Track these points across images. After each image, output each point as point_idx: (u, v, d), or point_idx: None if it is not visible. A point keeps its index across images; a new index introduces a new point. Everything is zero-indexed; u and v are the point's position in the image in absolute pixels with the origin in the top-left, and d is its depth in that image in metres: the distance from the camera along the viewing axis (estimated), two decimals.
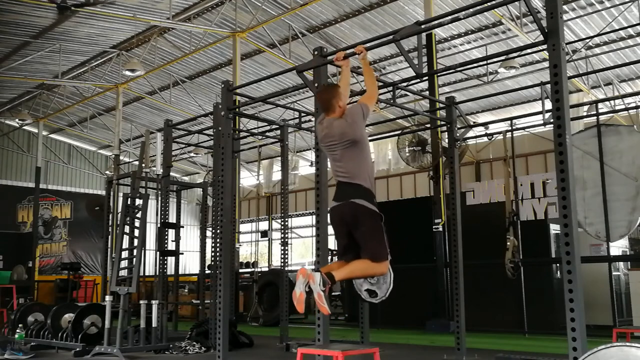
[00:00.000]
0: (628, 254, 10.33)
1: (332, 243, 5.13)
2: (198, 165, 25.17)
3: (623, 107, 11.55)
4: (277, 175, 22.14)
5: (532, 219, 9.22)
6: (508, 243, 7.15)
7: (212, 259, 7.70)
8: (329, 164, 5.10)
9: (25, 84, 19.10)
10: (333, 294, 12.95)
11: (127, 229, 7.89)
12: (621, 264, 9.93)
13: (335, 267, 4.00)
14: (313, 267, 3.94)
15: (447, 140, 6.88)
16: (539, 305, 8.93)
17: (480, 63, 13.66)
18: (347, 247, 4.07)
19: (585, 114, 11.27)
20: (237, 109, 8.19)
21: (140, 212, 7.77)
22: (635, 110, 11.26)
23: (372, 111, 4.23)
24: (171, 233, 8.67)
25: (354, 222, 3.96)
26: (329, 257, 12.64)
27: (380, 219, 3.99)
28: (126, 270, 7.77)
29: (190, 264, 21.56)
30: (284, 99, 16.62)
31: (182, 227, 9.51)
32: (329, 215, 4.25)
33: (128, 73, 15.77)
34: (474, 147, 18.25)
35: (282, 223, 8.56)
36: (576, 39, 12.92)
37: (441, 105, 7.32)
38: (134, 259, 7.50)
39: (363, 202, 3.95)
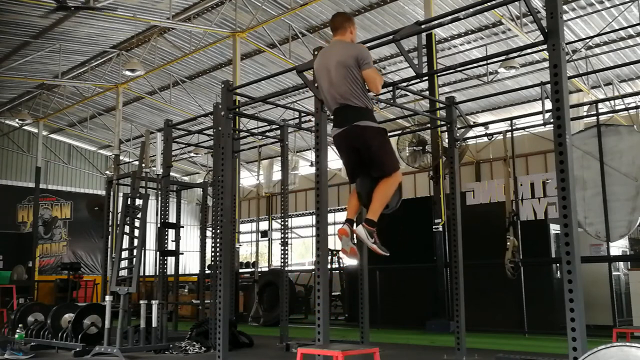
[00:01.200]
0: (628, 254, 10.33)
1: (332, 243, 5.13)
2: (198, 165, 25.18)
3: (623, 107, 11.56)
4: (277, 175, 22.15)
5: (532, 219, 9.21)
6: (508, 243, 7.15)
7: (212, 259, 7.69)
8: (330, 163, 5.12)
9: (25, 84, 19.10)
10: (333, 294, 12.96)
11: (127, 229, 7.88)
12: (621, 264, 9.92)
13: (356, 204, 4.22)
14: (347, 220, 4.13)
15: (447, 140, 6.88)
16: (539, 305, 8.93)
17: (480, 63, 13.66)
18: (356, 169, 4.19)
19: (585, 114, 11.27)
20: (237, 109, 8.19)
21: (140, 212, 7.77)
22: (635, 110, 11.27)
23: (365, 79, 4.20)
24: (171, 233, 8.66)
25: (362, 144, 4.04)
26: (329, 257, 12.70)
27: (385, 132, 4.14)
28: (126, 270, 7.76)
29: (190, 264, 21.57)
30: (284, 99, 16.63)
31: (182, 227, 9.51)
32: (333, 141, 4.30)
33: (128, 73, 15.78)
34: (474, 147, 18.26)
35: (282, 223, 8.55)
36: (576, 39, 12.92)
37: (441, 105, 7.32)
38: (134, 259, 7.49)
39: (366, 123, 4.03)
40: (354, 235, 3.96)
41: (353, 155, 4.14)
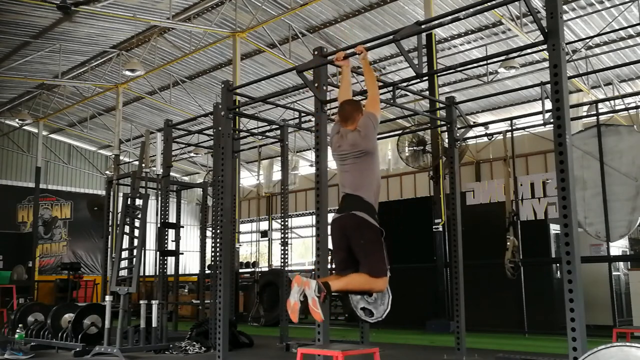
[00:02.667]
0: (628, 254, 10.33)
1: (332, 243, 5.11)
2: (198, 165, 25.17)
3: (623, 107, 11.55)
4: (277, 175, 22.15)
5: (532, 219, 9.22)
6: (508, 243, 7.15)
7: (212, 259, 7.69)
8: (329, 163, 5.12)
9: (25, 84, 19.10)
10: (333, 294, 12.94)
11: (127, 229, 7.88)
12: (621, 264, 9.93)
13: (333, 279, 3.93)
14: (309, 274, 3.90)
15: (447, 140, 6.88)
16: (539, 305, 8.93)
17: (480, 63, 13.66)
18: (346, 262, 3.99)
19: (585, 114, 11.27)
20: (237, 109, 8.19)
21: (140, 212, 7.77)
22: (635, 110, 11.26)
23: (379, 114, 4.23)
24: (171, 233, 8.67)
25: (354, 234, 3.91)
26: (329, 257, 12.69)
27: (381, 234, 3.93)
28: (126, 270, 7.76)
29: (190, 264, 21.56)
30: (284, 99, 16.63)
31: (182, 227, 9.51)
32: (329, 227, 4.21)
33: (128, 73, 15.78)
34: (474, 147, 18.25)
35: (282, 223, 8.56)
36: (576, 39, 12.92)
37: (441, 105, 7.32)
38: (134, 259, 7.49)
39: (364, 215, 3.91)
40: (304, 288, 3.64)
41: (343, 244, 3.99)
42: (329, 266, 4.80)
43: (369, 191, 4.00)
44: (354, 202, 3.97)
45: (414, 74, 5.05)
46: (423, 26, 4.91)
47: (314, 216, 5.04)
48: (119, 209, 9.10)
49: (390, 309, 4.16)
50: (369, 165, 4.05)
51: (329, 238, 4.60)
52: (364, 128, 4.08)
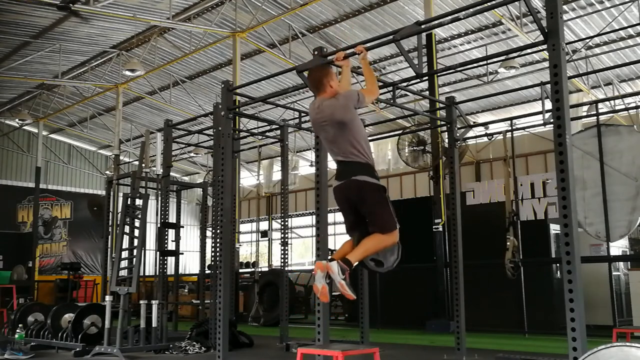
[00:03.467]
0: (628, 254, 10.33)
1: (332, 243, 5.12)
2: (198, 165, 25.17)
3: (623, 107, 11.54)
4: (277, 175, 22.16)
5: (532, 219, 9.22)
6: (508, 243, 7.15)
7: (212, 259, 7.70)
8: (329, 163, 5.12)
9: (25, 84, 19.10)
10: (333, 294, 12.95)
11: (127, 229, 7.88)
12: (621, 264, 9.93)
13: (348, 250, 4.04)
14: (329, 258, 3.96)
15: (447, 140, 6.88)
16: (539, 305, 8.93)
17: (480, 63, 13.66)
18: (355, 223, 4.11)
19: (585, 114, 11.27)
20: (237, 109, 8.19)
21: (140, 212, 7.77)
22: (635, 110, 11.25)
23: (367, 105, 4.24)
24: (171, 233, 8.67)
25: (359, 198, 4.00)
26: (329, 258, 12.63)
27: (384, 190, 4.05)
28: (126, 270, 7.76)
29: (190, 264, 21.57)
30: (284, 99, 16.63)
31: (182, 227, 9.51)
32: (333, 194, 4.26)
33: (128, 73, 15.78)
34: (474, 147, 18.25)
35: (282, 223, 8.56)
36: (576, 39, 12.92)
37: (441, 105, 7.32)
38: (134, 259, 7.49)
39: (365, 178, 3.98)
40: (329, 272, 3.81)
41: (350, 209, 4.08)
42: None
43: (361, 152, 4.03)
44: (352, 167, 4.02)
45: (414, 74, 5.06)
46: (423, 26, 4.91)
47: (314, 216, 5.04)
48: (119, 209, 9.10)
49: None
50: (352, 131, 4.03)
51: (329, 229, 4.61)
52: (345, 98, 4.05)
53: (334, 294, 13.28)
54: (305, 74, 5.28)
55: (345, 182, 4.04)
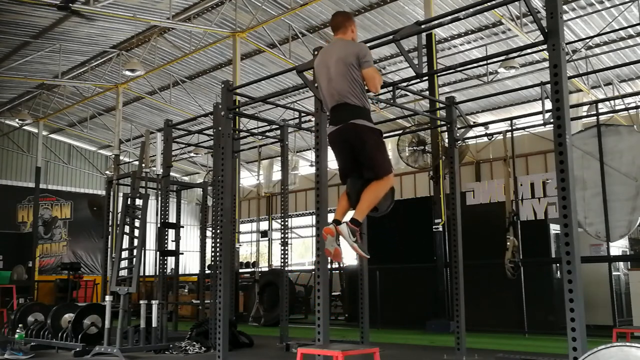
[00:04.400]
0: (628, 254, 10.33)
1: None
2: (198, 165, 25.17)
3: (623, 107, 11.55)
4: (277, 175, 22.15)
5: (532, 219, 9.22)
6: (508, 243, 7.15)
7: (212, 259, 7.69)
8: (330, 163, 5.11)
9: (25, 84, 19.10)
10: (333, 294, 12.96)
11: (127, 229, 7.88)
12: (621, 264, 9.92)
13: (346, 205, 4.13)
14: (334, 220, 4.04)
15: (447, 140, 6.87)
16: (539, 305, 8.93)
17: (480, 63, 13.66)
18: (349, 169, 4.16)
19: (585, 114, 11.27)
20: (237, 109, 8.19)
21: (140, 212, 7.77)
22: (635, 110, 11.25)
23: (367, 75, 4.14)
24: (171, 233, 8.66)
25: (358, 142, 4.01)
26: (329, 258, 12.71)
27: (381, 134, 4.09)
28: (126, 270, 7.76)
29: (190, 264, 21.56)
30: (284, 99, 16.62)
31: (182, 227, 9.51)
32: (328, 139, 4.31)
33: (128, 73, 15.78)
34: (474, 147, 18.25)
35: (282, 223, 8.55)
36: (576, 39, 12.92)
37: (441, 105, 7.32)
38: (134, 259, 7.49)
39: (362, 122, 4.00)
40: (339, 235, 3.91)
41: (346, 153, 4.10)
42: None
43: (359, 94, 4.05)
44: (348, 110, 4.04)
45: (414, 74, 5.05)
46: (423, 26, 4.91)
47: (314, 216, 5.04)
48: (119, 209, 9.09)
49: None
50: (354, 73, 4.07)
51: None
52: (362, 48, 4.13)
53: (333, 294, 13.31)
54: (306, 74, 5.29)
55: (342, 126, 4.05)
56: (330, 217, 4.42)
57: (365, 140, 3.99)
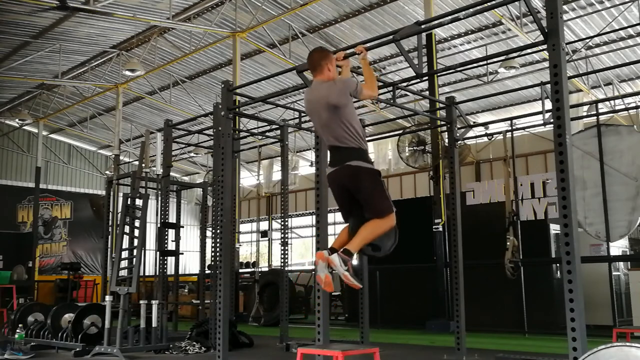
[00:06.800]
0: (628, 254, 10.33)
1: (332, 242, 5.12)
2: (198, 165, 25.17)
3: (623, 107, 11.55)
4: (277, 175, 22.15)
5: (532, 219, 9.21)
6: (508, 243, 7.15)
7: (212, 259, 7.69)
8: (327, 162, 5.11)
9: (25, 84, 19.10)
10: (333, 294, 12.95)
11: (127, 229, 7.88)
12: (621, 264, 9.92)
13: (345, 238, 4.06)
14: (329, 248, 3.99)
15: (447, 140, 6.88)
16: (539, 305, 8.93)
17: (480, 63, 13.66)
18: (350, 209, 4.12)
19: (585, 114, 11.27)
20: (237, 109, 8.19)
21: (140, 212, 7.77)
22: (635, 110, 11.26)
23: (363, 99, 4.21)
24: (171, 233, 8.66)
25: (354, 184, 3.99)
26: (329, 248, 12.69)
27: (379, 174, 4.05)
28: (126, 270, 7.76)
29: (190, 264, 21.56)
30: (284, 99, 16.62)
31: (182, 227, 9.51)
32: (327, 180, 4.27)
33: (128, 73, 15.78)
34: (474, 147, 18.24)
35: (282, 223, 8.55)
36: (576, 39, 12.92)
37: (441, 105, 7.32)
38: (134, 259, 7.49)
39: (359, 163, 3.98)
40: (331, 265, 3.86)
41: (345, 195, 4.08)
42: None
43: (354, 136, 4.02)
44: (345, 153, 4.01)
45: (414, 74, 5.06)
46: (423, 26, 4.91)
47: (314, 216, 5.04)
48: (119, 209, 9.09)
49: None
50: (346, 115, 4.02)
51: (329, 229, 4.61)
52: (343, 83, 4.06)
53: (334, 293, 13.31)
54: (306, 74, 5.29)
55: (339, 168, 4.03)
56: (330, 217, 4.43)
57: (363, 182, 3.96)
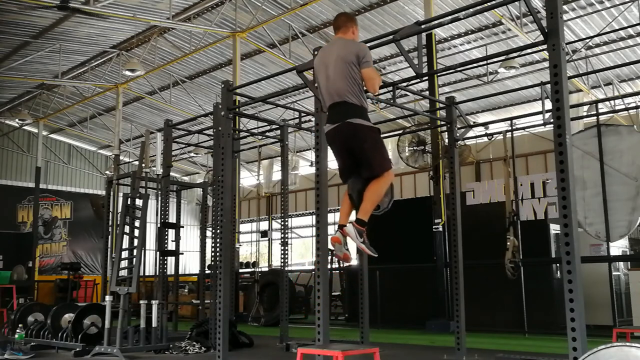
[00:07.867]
0: (628, 254, 10.33)
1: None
2: (198, 165, 25.18)
3: (623, 107, 11.56)
4: (277, 175, 22.15)
5: (532, 219, 9.21)
6: (508, 243, 7.14)
7: (212, 259, 7.69)
8: (330, 163, 5.11)
9: (25, 84, 19.11)
10: (333, 294, 12.96)
11: (127, 229, 7.88)
12: (621, 264, 9.92)
13: (348, 209, 4.18)
14: (339, 224, 4.13)
15: (447, 140, 6.87)
16: (539, 305, 8.93)
17: (480, 63, 13.66)
18: (349, 169, 4.18)
19: (585, 114, 11.27)
20: (237, 109, 8.19)
21: (140, 212, 7.77)
22: (635, 110, 11.26)
23: (365, 77, 4.14)
24: (171, 233, 8.66)
25: (355, 141, 4.02)
26: (329, 257, 12.77)
27: (378, 132, 4.11)
28: (126, 270, 7.76)
29: (190, 264, 21.56)
30: (284, 99, 16.63)
31: (182, 227, 9.51)
32: (326, 137, 4.30)
33: (128, 73, 15.79)
34: (474, 147, 18.24)
35: (282, 223, 8.55)
36: (576, 39, 12.92)
37: (441, 105, 7.32)
38: (134, 259, 7.49)
39: (359, 121, 4.01)
40: (346, 239, 3.97)
41: (344, 153, 4.11)
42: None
43: (357, 92, 4.05)
44: (345, 108, 4.04)
45: (414, 74, 5.05)
46: (423, 26, 4.91)
47: (314, 216, 5.03)
48: (119, 209, 9.09)
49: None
50: (353, 72, 4.07)
51: (329, 229, 4.67)
52: (362, 48, 4.13)
53: (333, 293, 13.31)
54: (305, 73, 5.28)
55: (339, 125, 4.04)
56: (330, 217, 4.44)
57: (362, 139, 4.00)
